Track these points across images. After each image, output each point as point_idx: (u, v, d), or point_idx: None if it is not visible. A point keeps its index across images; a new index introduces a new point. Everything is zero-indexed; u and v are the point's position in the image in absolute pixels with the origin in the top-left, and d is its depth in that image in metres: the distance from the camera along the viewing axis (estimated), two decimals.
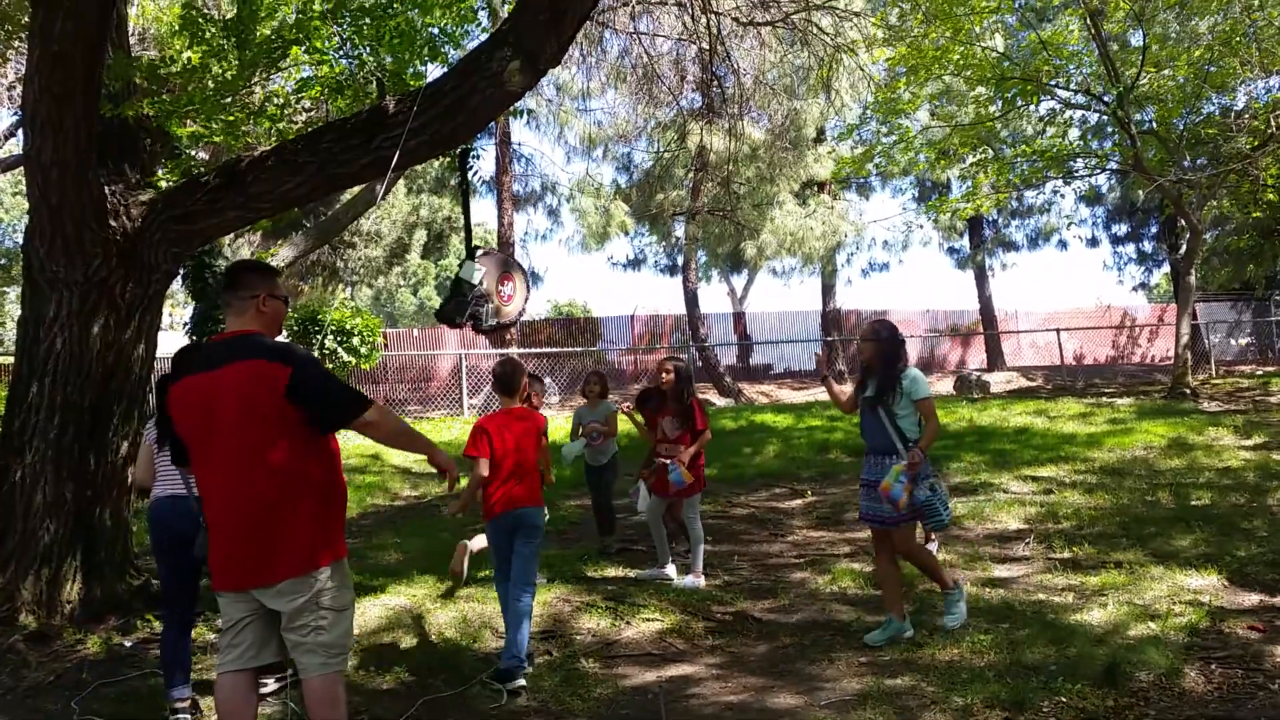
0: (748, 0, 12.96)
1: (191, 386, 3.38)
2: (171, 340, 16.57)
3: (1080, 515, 8.04)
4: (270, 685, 4.65)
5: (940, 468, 10.61)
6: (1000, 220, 34.16)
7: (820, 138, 24.20)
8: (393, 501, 10.61)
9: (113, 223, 5.58)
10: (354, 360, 14.66)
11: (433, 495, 10.83)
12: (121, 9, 6.43)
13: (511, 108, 6.36)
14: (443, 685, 4.93)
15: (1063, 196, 32.80)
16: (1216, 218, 22.19)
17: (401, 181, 27.09)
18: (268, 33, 6.10)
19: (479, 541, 6.36)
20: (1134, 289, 39.72)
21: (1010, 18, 17.96)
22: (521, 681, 4.92)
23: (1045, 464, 10.37)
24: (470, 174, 6.58)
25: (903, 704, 4.50)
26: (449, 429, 15.68)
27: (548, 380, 19.60)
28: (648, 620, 6.01)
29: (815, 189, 25.58)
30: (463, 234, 5.93)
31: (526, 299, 6.77)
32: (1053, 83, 16.18)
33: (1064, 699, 4.38)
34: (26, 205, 6.00)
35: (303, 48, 6.07)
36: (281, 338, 3.61)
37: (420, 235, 33.26)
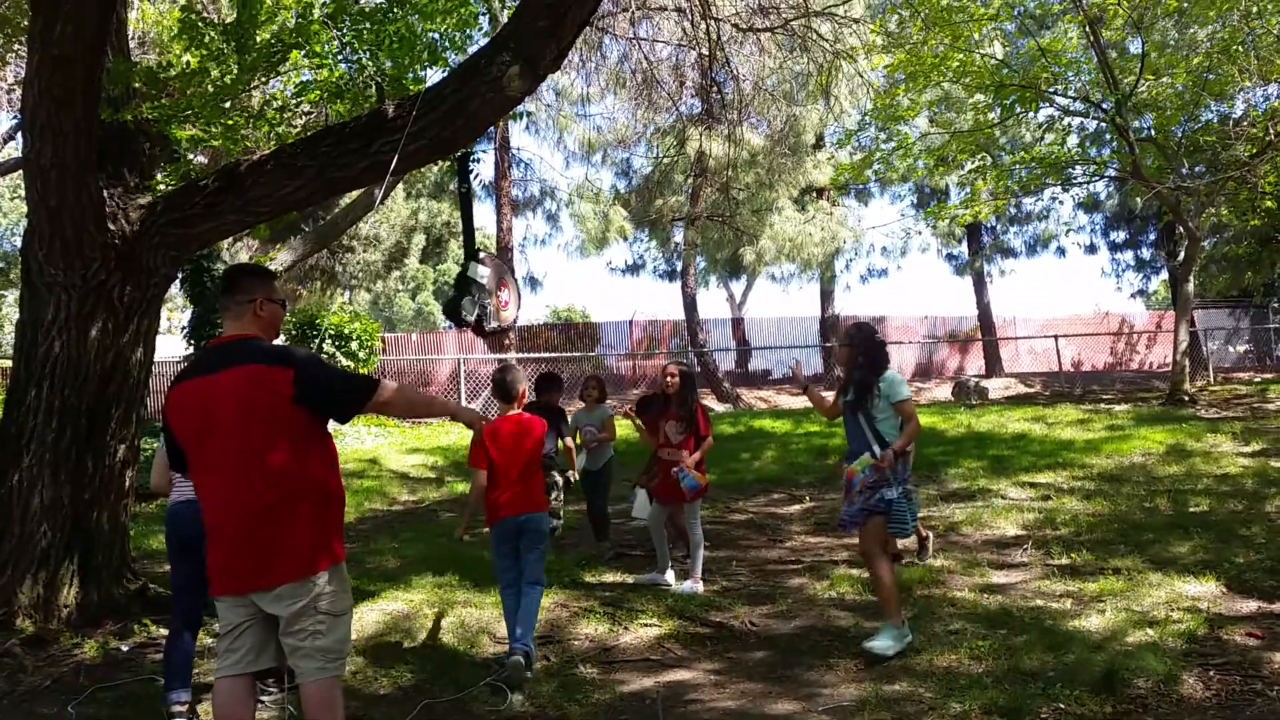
0: (747, 6, 12.99)
1: (189, 391, 3.38)
2: (169, 344, 16.57)
3: (1078, 521, 8.04)
4: (274, 694, 4.64)
5: (938, 473, 10.62)
6: (999, 227, 34.20)
7: (819, 144, 24.25)
8: (390, 506, 10.60)
9: (111, 226, 5.58)
10: (352, 365, 14.67)
11: (430, 500, 10.83)
12: (121, 13, 6.43)
13: (511, 112, 6.35)
14: (440, 690, 4.92)
15: (1061, 203, 32.70)
16: (1215, 225, 22.21)
17: (400, 186, 27.13)
18: (267, 37, 6.11)
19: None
20: (1132, 296, 39.72)
21: (1009, 25, 17.98)
22: (520, 659, 5.00)
23: (1043, 470, 10.37)
24: (471, 177, 6.58)
25: (901, 710, 4.50)
26: (447, 434, 15.67)
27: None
28: (646, 626, 6.00)
29: (814, 195, 25.63)
30: (462, 238, 5.93)
31: (519, 306, 6.79)
32: (1051, 90, 16.20)
33: (1062, 705, 4.37)
34: (25, 209, 6.00)
35: (302, 52, 6.07)
36: (278, 341, 3.61)
37: (419, 240, 33.30)
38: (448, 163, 6.85)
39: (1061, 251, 41.71)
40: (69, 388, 5.63)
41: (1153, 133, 16.70)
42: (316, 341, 14.25)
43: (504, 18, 6.98)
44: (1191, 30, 16.70)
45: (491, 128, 18.45)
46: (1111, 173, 18.41)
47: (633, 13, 13.65)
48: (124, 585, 5.98)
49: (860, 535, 5.42)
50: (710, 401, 21.69)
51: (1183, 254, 18.97)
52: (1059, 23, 18.81)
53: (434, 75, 6.60)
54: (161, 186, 6.16)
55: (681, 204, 24.67)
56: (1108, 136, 19.08)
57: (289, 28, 6.25)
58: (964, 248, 33.43)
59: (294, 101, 6.69)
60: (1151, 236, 34.33)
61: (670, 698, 4.88)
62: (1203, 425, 12.63)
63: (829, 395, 6.10)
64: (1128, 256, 37.16)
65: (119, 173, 5.96)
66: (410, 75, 6.27)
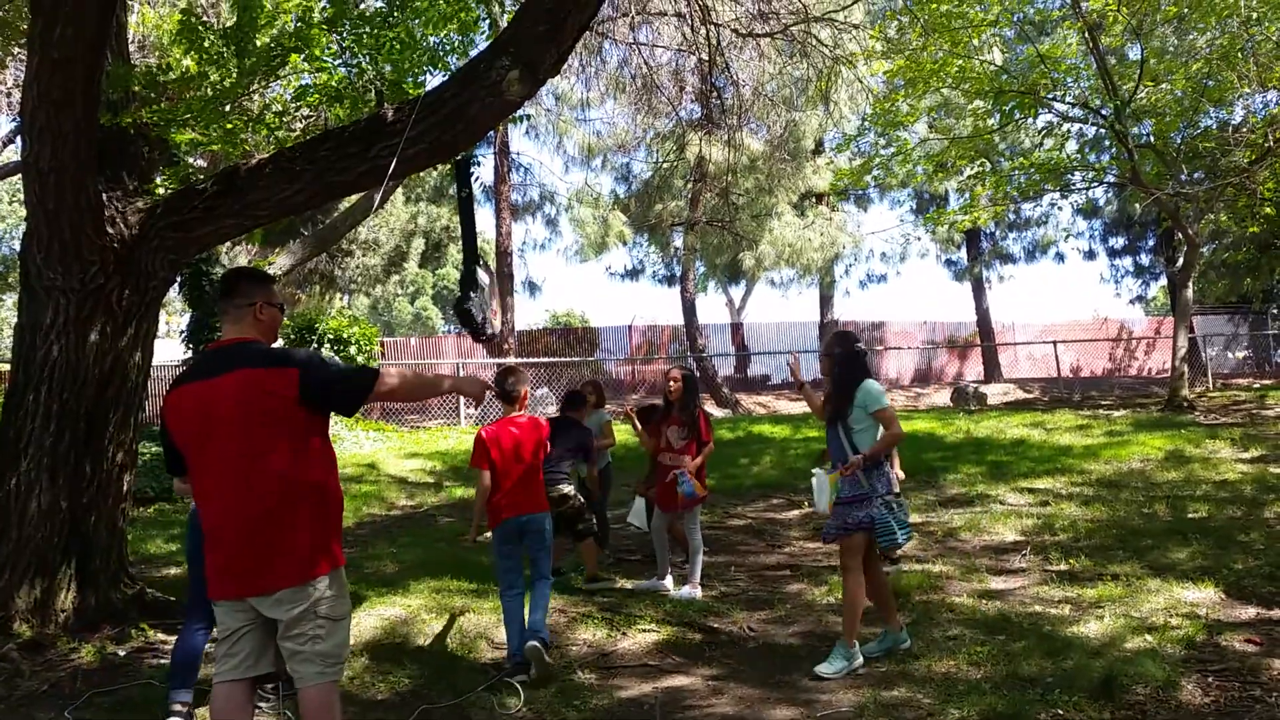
0: (747, 12, 13.00)
1: (188, 395, 3.37)
2: (168, 348, 16.57)
3: (1077, 527, 8.04)
4: (272, 700, 4.63)
5: (937, 478, 10.62)
6: (998, 233, 34.26)
7: (819, 149, 24.28)
8: (389, 511, 10.58)
9: (110, 230, 5.56)
10: None
11: (429, 505, 10.81)
12: (121, 16, 6.43)
13: (510, 117, 6.35)
14: (438, 695, 4.91)
15: (1060, 209, 32.82)
16: (1214, 231, 22.23)
17: (400, 190, 27.15)
18: (267, 41, 6.11)
19: None
20: (1131, 302, 39.87)
21: (1008, 31, 18.02)
22: (536, 644, 5.10)
23: (1042, 476, 10.36)
24: (472, 181, 6.58)
25: (899, 716, 4.49)
26: (445, 438, 15.66)
27: (544, 390, 19.57)
28: (644, 631, 5.99)
29: (813, 200, 25.65)
30: (462, 243, 5.93)
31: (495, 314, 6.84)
32: (1050, 96, 16.22)
33: (1061, 711, 4.37)
34: (24, 212, 5.99)
35: (302, 56, 6.08)
36: (276, 345, 3.61)
37: (418, 244, 33.30)
38: (447, 167, 6.86)
39: (1060, 257, 41.82)
40: (67, 391, 5.62)
41: (1152, 139, 16.72)
42: (315, 346, 14.24)
43: (504, 22, 6.97)
44: (1191, 37, 16.73)
45: (491, 132, 18.46)
46: (1111, 179, 18.43)
47: (633, 18, 13.67)
48: (122, 590, 5.96)
49: (841, 550, 5.34)
50: (709, 407, 21.68)
51: (1182, 260, 18.99)
52: (1058, 29, 18.87)
53: (434, 79, 6.60)
54: (160, 190, 6.15)
55: (681, 209, 24.68)
56: (1107, 143, 19.12)
57: (288, 32, 6.25)
58: (963, 253, 33.48)
59: (293, 105, 6.69)
60: (1150, 242, 34.38)
61: (668, 703, 4.87)
62: (1201, 431, 12.64)
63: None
64: (1127, 262, 37.26)
65: (118, 176, 5.95)
66: (410, 79, 6.27)
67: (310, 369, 3.33)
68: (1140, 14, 15.22)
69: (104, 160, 5.71)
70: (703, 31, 12.33)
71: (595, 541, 7.92)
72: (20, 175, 6.32)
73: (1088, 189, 19.24)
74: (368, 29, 6.28)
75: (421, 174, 21.35)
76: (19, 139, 10.42)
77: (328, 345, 14.45)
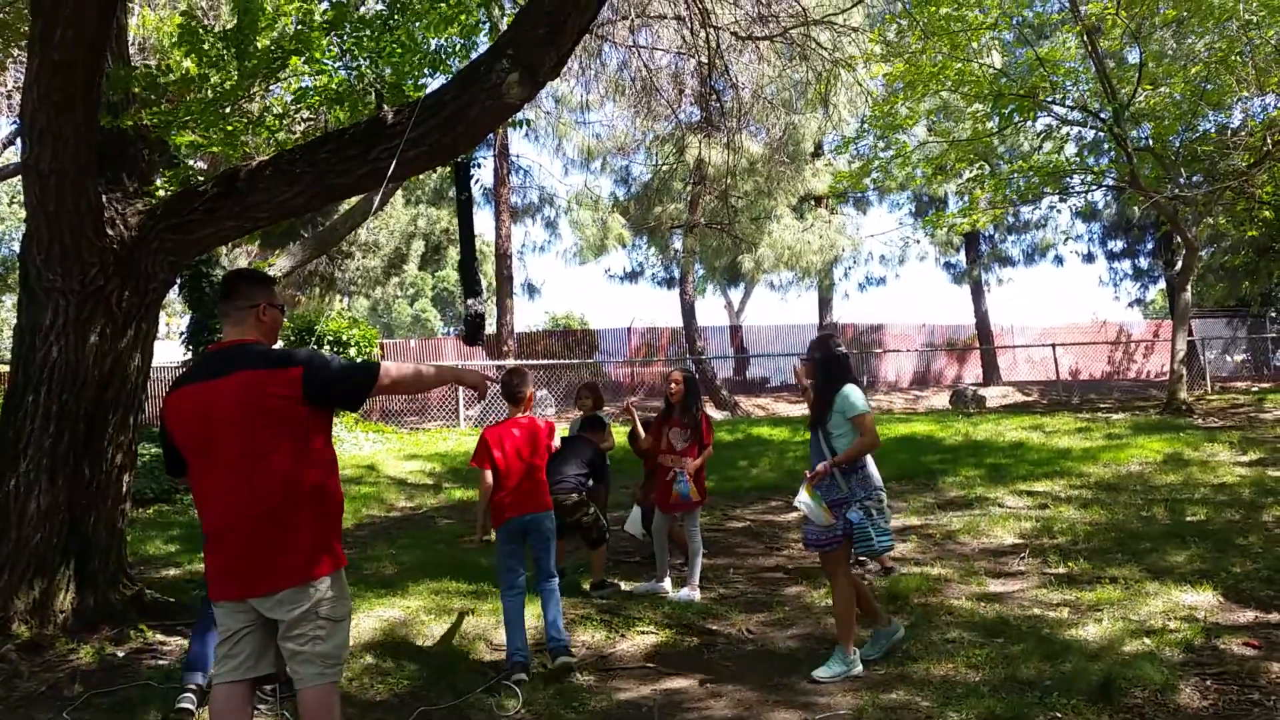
0: (746, 15, 13.01)
1: (189, 396, 3.37)
2: (167, 349, 16.56)
3: (1075, 530, 8.04)
4: (271, 701, 4.63)
5: (935, 481, 10.62)
6: (997, 236, 34.24)
7: (818, 152, 24.28)
8: (388, 513, 10.58)
9: (110, 231, 5.57)
10: None
11: (428, 507, 10.81)
12: (121, 19, 6.43)
13: (510, 119, 6.36)
14: (437, 697, 4.91)
15: (1059, 212, 32.83)
16: (1212, 235, 22.25)
17: (400, 193, 27.16)
18: (267, 43, 6.11)
19: None
20: (1130, 305, 39.80)
21: (1008, 34, 18.03)
22: (568, 659, 5.22)
23: (1041, 479, 10.37)
24: (472, 184, 6.59)
25: (898, 719, 4.50)
26: (444, 440, 15.66)
27: (543, 392, 19.58)
28: (642, 633, 6.00)
29: (813, 203, 25.67)
30: (460, 246, 5.93)
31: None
32: (1049, 99, 16.23)
33: (1059, 715, 4.38)
34: (24, 214, 5.99)
35: (302, 58, 6.08)
36: (276, 347, 3.61)
37: (418, 246, 33.30)
38: (447, 169, 6.86)
39: (1059, 260, 41.84)
40: (67, 393, 5.62)
41: (1150, 142, 16.73)
42: (314, 347, 14.24)
43: (504, 25, 6.97)
44: (1189, 40, 16.75)
45: (491, 135, 18.46)
46: (1109, 182, 18.43)
47: (632, 20, 13.68)
48: (121, 591, 5.96)
49: (831, 560, 5.32)
50: (708, 409, 21.68)
51: (1180, 263, 19.00)
52: (1057, 32, 18.88)
53: (434, 82, 6.61)
54: (160, 192, 6.16)
55: (680, 211, 24.69)
56: (1106, 146, 19.13)
57: (289, 34, 6.26)
58: (962, 256, 33.48)
59: (293, 108, 6.70)
60: (1149, 246, 34.38)
61: (666, 706, 4.87)
62: (1200, 434, 12.64)
63: None
64: (1125, 265, 37.27)
65: (118, 178, 5.96)
66: (410, 82, 6.28)
67: (313, 367, 3.35)
68: (1139, 17, 15.25)
69: (104, 162, 5.72)
70: (702, 34, 12.35)
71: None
72: (20, 177, 6.32)
73: (1086, 192, 19.24)
74: (368, 32, 6.29)
75: (421, 176, 21.34)
76: (19, 141, 10.42)
77: (327, 347, 14.46)
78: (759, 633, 6.03)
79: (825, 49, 14.09)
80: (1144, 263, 36.32)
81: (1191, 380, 19.05)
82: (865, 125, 19.30)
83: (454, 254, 34.72)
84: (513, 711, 4.78)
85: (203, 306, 13.34)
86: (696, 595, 6.75)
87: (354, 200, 14.92)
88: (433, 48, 6.56)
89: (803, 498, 5.30)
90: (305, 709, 3.31)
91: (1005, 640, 5.47)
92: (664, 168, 24.11)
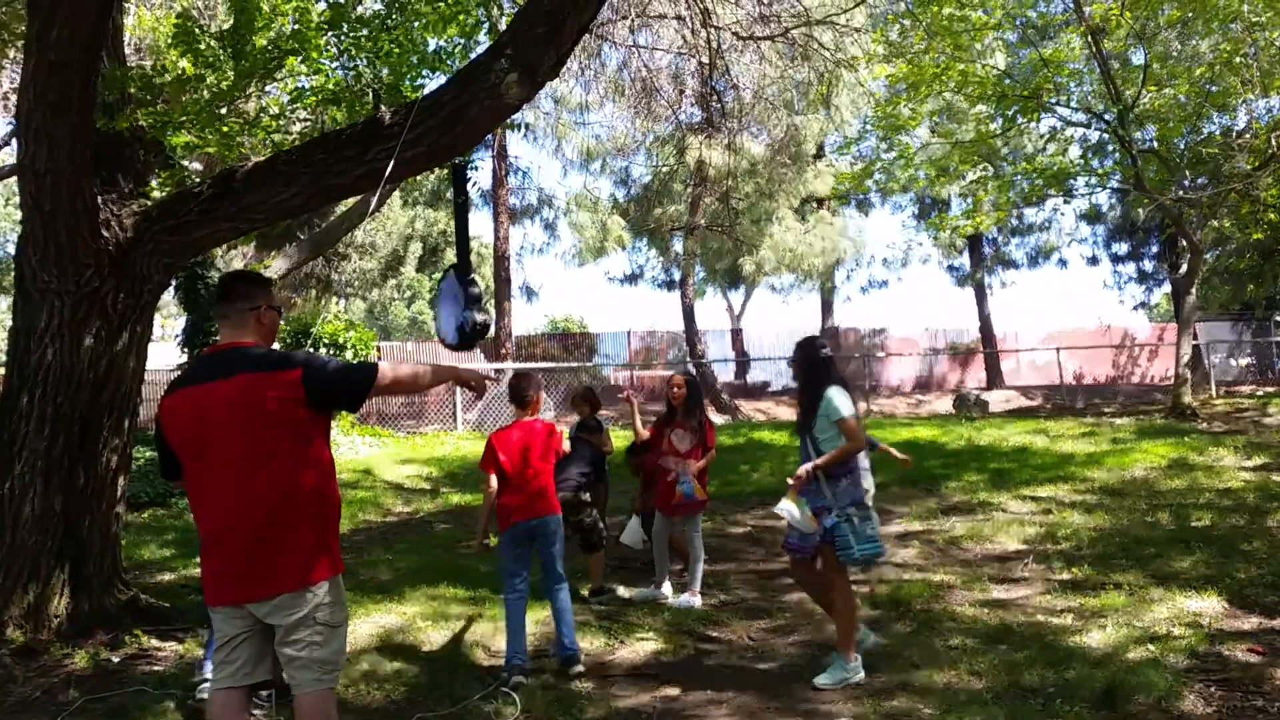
0: (748, 14, 12.97)
1: (186, 399, 3.34)
2: (163, 352, 16.53)
3: (1080, 536, 7.99)
4: (266, 707, 4.59)
5: (938, 486, 10.57)
6: (1000, 238, 34.23)
7: (820, 154, 24.25)
8: (385, 518, 10.54)
9: (105, 233, 5.54)
10: None
11: (424, 511, 10.77)
12: (117, 19, 6.40)
13: (509, 121, 6.32)
14: (434, 703, 4.87)
15: (1063, 215, 32.91)
16: (1217, 238, 22.22)
17: (397, 194, 27.15)
18: (264, 43, 6.08)
19: None
20: (1134, 308, 39.78)
21: (1011, 35, 18.01)
22: (580, 668, 5.24)
23: (1044, 484, 10.32)
24: (469, 186, 6.55)
25: None
26: (441, 444, 15.63)
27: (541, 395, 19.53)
28: (642, 640, 5.95)
29: (814, 205, 25.63)
30: (456, 248, 5.88)
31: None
32: (1053, 100, 16.20)
33: None
34: (19, 214, 5.96)
35: (299, 58, 6.04)
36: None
37: (415, 248, 33.30)
38: (444, 170, 6.81)
39: (1063, 263, 41.78)
40: (61, 395, 5.59)
41: (1155, 144, 16.70)
42: (310, 349, 14.22)
43: (503, 25, 6.93)
44: (1194, 42, 16.73)
45: (489, 136, 18.45)
46: (1114, 184, 18.41)
47: (632, 20, 13.63)
48: (115, 595, 5.92)
49: (821, 563, 5.27)
50: (709, 413, 21.64)
51: (1185, 266, 18.96)
52: (1061, 33, 18.84)
53: (432, 82, 6.57)
54: (156, 193, 6.12)
55: (680, 213, 24.64)
56: (1110, 148, 19.10)
57: (285, 34, 6.22)
58: (965, 259, 33.45)
59: (290, 108, 6.67)
60: (1154, 249, 34.36)
61: (666, 713, 4.83)
62: (1205, 439, 12.60)
63: None
64: (1130, 269, 37.23)
65: (113, 179, 5.93)
66: (408, 82, 6.25)
67: (312, 369, 3.33)
68: (1143, 19, 15.21)
69: (100, 163, 5.69)
70: (703, 34, 12.29)
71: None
72: (16, 177, 6.29)
73: (1091, 194, 19.24)
74: (366, 32, 6.25)
75: (419, 178, 21.32)
76: (14, 141, 10.40)
77: (323, 349, 14.43)
78: (760, 639, 5.99)
79: (827, 49, 14.04)
80: (1148, 266, 36.30)
81: (1196, 384, 18.99)
82: (867, 126, 19.31)
83: (451, 256, 34.74)
84: (511, 718, 4.73)
85: (198, 308, 13.30)
86: (697, 601, 6.71)
87: (351, 201, 14.87)
88: (431, 48, 6.52)
89: (785, 505, 5.26)
90: (302, 714, 3.29)
91: (1009, 647, 5.43)
92: (664, 169, 24.07)
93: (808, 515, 5.17)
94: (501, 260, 24.12)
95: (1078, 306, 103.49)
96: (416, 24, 6.28)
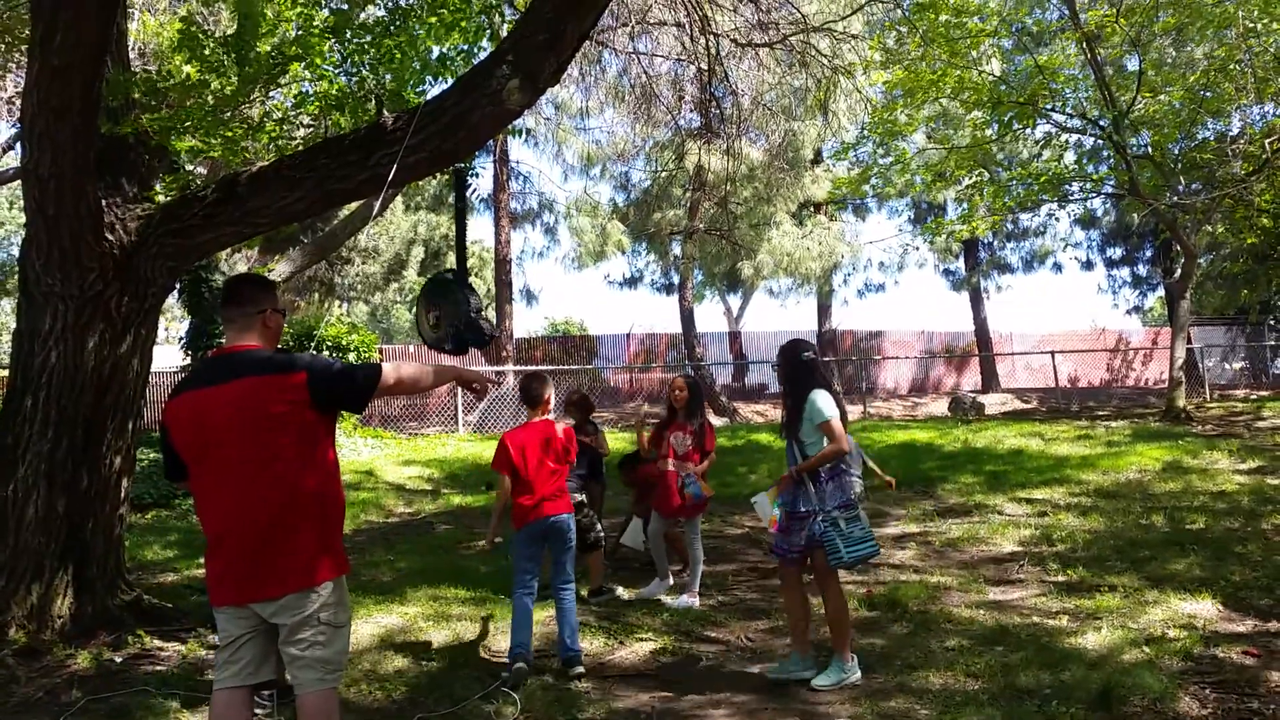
0: (746, 22, 13.02)
1: (191, 402, 3.36)
2: (166, 354, 16.54)
3: (1075, 538, 8.04)
4: (268, 706, 4.62)
5: (934, 489, 10.62)
6: (996, 243, 34.27)
7: (818, 159, 24.30)
8: (386, 519, 10.57)
9: (109, 236, 5.57)
10: None
11: (426, 512, 10.80)
12: (122, 24, 6.44)
13: (510, 126, 6.36)
14: (434, 704, 4.90)
15: (1058, 219, 32.81)
16: (1211, 242, 22.28)
17: (399, 199, 27.17)
18: (267, 49, 6.11)
19: None
20: (1128, 312, 39.76)
21: (1007, 42, 18.07)
22: (581, 669, 5.28)
23: (1040, 486, 10.37)
24: (469, 192, 6.59)
25: None
26: (443, 445, 15.65)
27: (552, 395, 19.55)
28: (641, 640, 5.99)
29: (812, 210, 25.67)
30: (455, 253, 5.91)
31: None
32: (1049, 107, 16.26)
33: None
34: (23, 218, 5.99)
35: (302, 64, 6.08)
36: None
37: (418, 252, 33.31)
38: (446, 176, 6.85)
39: (1058, 267, 41.87)
40: (65, 398, 5.62)
41: (1150, 150, 16.75)
42: (314, 353, 14.25)
43: (504, 32, 6.97)
44: (1189, 48, 16.79)
45: (490, 141, 18.47)
46: (1108, 189, 18.47)
47: (632, 27, 13.68)
48: (118, 596, 5.95)
49: (816, 573, 5.29)
50: (708, 415, 21.66)
51: (1179, 271, 19.04)
52: (1056, 40, 18.90)
53: (434, 89, 6.61)
54: (160, 197, 6.15)
55: (680, 218, 24.69)
56: (1105, 153, 19.19)
57: (289, 40, 6.26)
58: (961, 263, 33.49)
59: (294, 113, 6.70)
60: (1148, 253, 34.40)
61: (665, 713, 4.86)
62: (1199, 442, 12.64)
63: None
64: (1124, 273, 37.24)
65: (117, 183, 5.95)
66: (411, 88, 6.28)
67: (316, 371, 3.36)
68: (1138, 25, 15.27)
69: (104, 167, 5.72)
70: (702, 41, 12.35)
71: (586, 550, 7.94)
72: (20, 181, 6.31)
73: (1086, 199, 19.33)
74: (369, 38, 6.29)
75: (421, 182, 21.40)
76: (19, 145, 10.41)
77: (326, 352, 14.46)
78: (758, 640, 6.02)
79: (825, 56, 14.09)
80: (1143, 270, 36.34)
81: (1190, 388, 19.05)
82: (865, 132, 19.32)
83: (453, 260, 34.78)
84: (511, 718, 4.77)
85: (202, 311, 13.34)
86: (696, 602, 6.75)
87: (354, 206, 14.91)
88: (434, 55, 6.56)
89: (760, 497, 5.34)
90: (305, 714, 3.31)
91: (1004, 648, 5.46)
92: (663, 174, 24.13)
93: (771, 515, 5.27)
94: (503, 264, 24.15)
95: (1072, 310, 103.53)
96: (419, 31, 6.31)
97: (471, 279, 6.24)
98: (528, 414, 5.75)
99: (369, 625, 6.06)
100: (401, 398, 23.30)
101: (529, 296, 31.01)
